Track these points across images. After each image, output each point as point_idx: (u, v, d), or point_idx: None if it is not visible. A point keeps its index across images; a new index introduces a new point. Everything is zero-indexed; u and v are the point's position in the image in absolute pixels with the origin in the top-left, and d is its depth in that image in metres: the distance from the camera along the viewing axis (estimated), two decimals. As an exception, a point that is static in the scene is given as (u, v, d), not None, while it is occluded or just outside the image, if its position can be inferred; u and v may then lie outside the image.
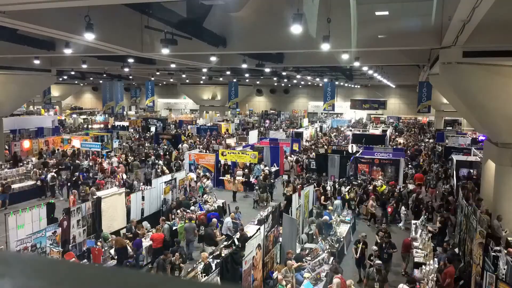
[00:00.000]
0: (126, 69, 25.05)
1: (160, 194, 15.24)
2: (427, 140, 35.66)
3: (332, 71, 27.69)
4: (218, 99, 49.13)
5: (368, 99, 50.82)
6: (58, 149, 26.60)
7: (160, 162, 22.07)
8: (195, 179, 18.41)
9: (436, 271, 9.49)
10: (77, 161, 22.09)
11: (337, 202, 15.37)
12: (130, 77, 38.15)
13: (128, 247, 11.06)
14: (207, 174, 19.34)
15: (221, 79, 36.48)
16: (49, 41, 14.70)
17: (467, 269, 10.70)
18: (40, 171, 19.39)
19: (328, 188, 17.27)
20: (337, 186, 17.72)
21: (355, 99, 51.73)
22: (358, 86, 50.34)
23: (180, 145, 28.92)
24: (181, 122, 45.48)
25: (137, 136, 35.21)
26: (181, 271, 10.04)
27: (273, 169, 21.78)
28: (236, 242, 11.24)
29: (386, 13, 10.92)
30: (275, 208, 12.15)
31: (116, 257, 11.00)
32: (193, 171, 20.49)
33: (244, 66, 18.35)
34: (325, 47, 10.43)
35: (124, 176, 18.81)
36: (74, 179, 18.31)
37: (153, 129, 40.03)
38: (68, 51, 13.86)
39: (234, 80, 33.91)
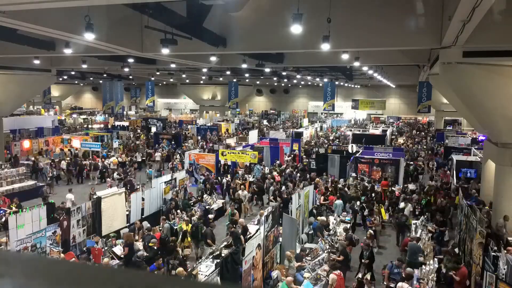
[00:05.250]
0: (126, 69, 25.06)
1: (160, 194, 15.25)
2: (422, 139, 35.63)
3: (332, 71, 27.68)
4: (218, 99, 49.13)
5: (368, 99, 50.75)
6: (61, 149, 26.63)
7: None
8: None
9: (436, 271, 9.50)
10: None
11: (338, 202, 15.35)
12: (130, 77, 38.14)
13: (136, 244, 11.12)
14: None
15: (221, 79, 36.49)
16: (49, 41, 14.69)
17: (467, 269, 10.69)
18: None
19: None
20: (338, 186, 17.71)
21: (356, 99, 51.69)
22: (358, 86, 50.35)
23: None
24: (181, 122, 45.50)
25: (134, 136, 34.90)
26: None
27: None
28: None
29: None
30: (275, 208, 12.16)
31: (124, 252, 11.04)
32: (194, 172, 20.50)
33: (244, 66, 18.35)
34: (325, 47, 10.43)
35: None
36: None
37: (153, 129, 39.64)
38: (68, 51, 13.85)
39: (234, 80, 33.91)
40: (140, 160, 24.95)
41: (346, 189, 17.21)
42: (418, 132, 41.66)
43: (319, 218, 13.52)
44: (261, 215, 12.92)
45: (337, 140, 33.02)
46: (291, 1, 9.81)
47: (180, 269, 9.36)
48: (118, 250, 11.27)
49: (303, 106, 57.06)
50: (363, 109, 47.40)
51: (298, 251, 11.16)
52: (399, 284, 8.83)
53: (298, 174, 19.99)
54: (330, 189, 16.88)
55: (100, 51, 13.94)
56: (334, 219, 14.00)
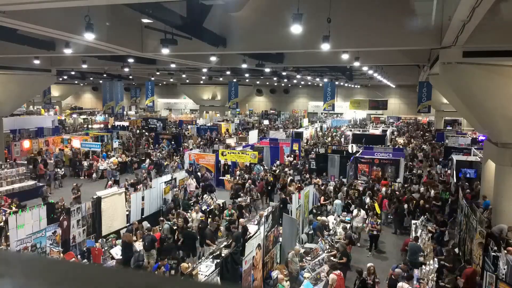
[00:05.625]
0: (126, 69, 25.06)
1: (160, 194, 15.25)
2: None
3: (332, 71, 27.69)
4: (218, 99, 49.13)
5: (370, 99, 50.84)
6: (60, 149, 26.61)
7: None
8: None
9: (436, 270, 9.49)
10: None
11: (337, 202, 15.35)
12: (130, 77, 38.12)
13: (134, 245, 11.12)
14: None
15: (221, 79, 36.50)
16: (49, 41, 14.69)
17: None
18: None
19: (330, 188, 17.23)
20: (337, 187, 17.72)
21: (355, 99, 51.81)
22: (358, 86, 50.36)
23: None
24: (181, 122, 45.49)
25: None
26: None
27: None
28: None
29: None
30: (275, 208, 12.16)
31: (120, 251, 11.03)
32: (194, 172, 20.48)
33: (244, 66, 18.35)
34: (325, 47, 10.44)
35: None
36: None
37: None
38: (68, 51, 13.85)
39: (234, 80, 33.91)
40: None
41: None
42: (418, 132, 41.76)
43: (318, 218, 13.51)
44: (261, 216, 12.93)
45: (338, 140, 33.04)
46: (291, 1, 9.81)
47: (185, 265, 9.36)
48: (118, 250, 11.26)
49: (303, 106, 57.07)
50: (352, 108, 47.92)
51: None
52: (399, 284, 8.84)
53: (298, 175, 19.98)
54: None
55: (100, 51, 13.95)
56: (334, 219, 14.00)
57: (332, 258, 10.52)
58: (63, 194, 18.89)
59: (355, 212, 13.90)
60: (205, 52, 14.52)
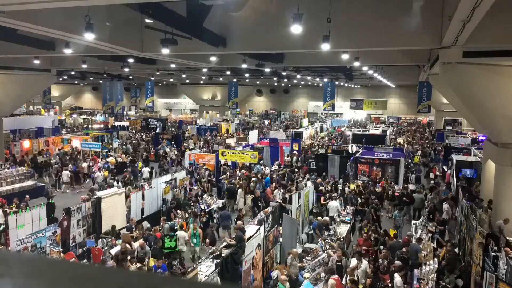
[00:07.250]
0: (126, 69, 25.05)
1: (160, 194, 15.24)
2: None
3: (332, 71, 27.69)
4: (218, 99, 49.14)
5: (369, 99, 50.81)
6: (59, 149, 26.58)
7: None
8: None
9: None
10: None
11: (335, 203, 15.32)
12: (130, 77, 38.12)
13: (133, 244, 11.08)
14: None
15: (221, 79, 36.49)
16: (49, 41, 14.70)
17: (467, 269, 10.70)
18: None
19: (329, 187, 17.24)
20: (339, 186, 17.71)
21: (355, 99, 51.79)
22: (358, 86, 50.36)
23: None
24: (181, 122, 45.48)
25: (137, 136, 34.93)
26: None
27: (273, 168, 21.71)
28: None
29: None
30: (275, 208, 12.16)
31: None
32: (194, 172, 20.47)
33: (244, 66, 18.35)
34: (325, 47, 10.44)
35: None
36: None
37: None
38: (68, 51, 13.85)
39: (234, 80, 33.91)
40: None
41: (346, 189, 17.22)
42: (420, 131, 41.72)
43: (319, 218, 13.49)
44: (265, 212, 12.88)
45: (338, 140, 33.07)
46: (291, 1, 9.82)
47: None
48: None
49: (303, 106, 57.08)
50: (367, 109, 47.67)
51: (298, 251, 11.16)
52: (395, 275, 8.92)
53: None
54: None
55: (100, 51, 13.95)
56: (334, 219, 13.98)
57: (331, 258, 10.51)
58: (62, 194, 18.95)
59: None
60: (205, 52, 14.53)
